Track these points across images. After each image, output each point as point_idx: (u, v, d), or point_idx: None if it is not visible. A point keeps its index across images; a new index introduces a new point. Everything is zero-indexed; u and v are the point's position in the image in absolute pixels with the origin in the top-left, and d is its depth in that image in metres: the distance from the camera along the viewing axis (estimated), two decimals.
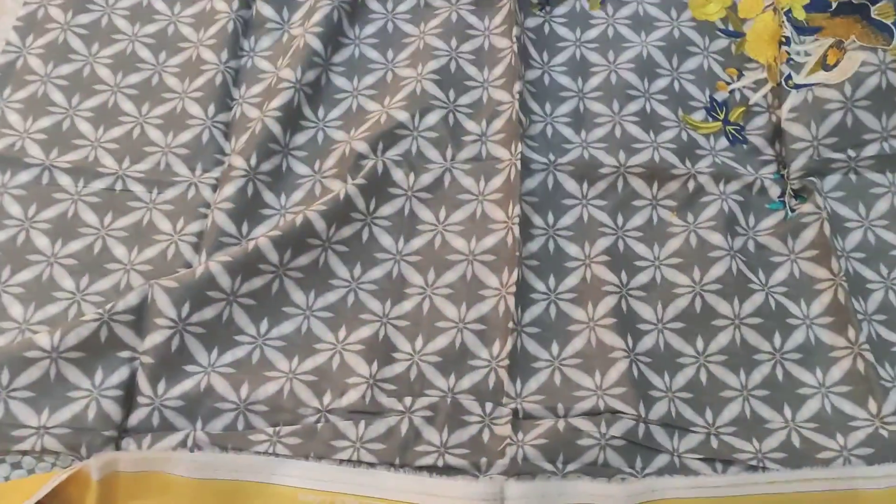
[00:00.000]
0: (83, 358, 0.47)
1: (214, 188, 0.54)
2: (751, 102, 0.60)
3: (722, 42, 0.63)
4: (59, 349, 0.46)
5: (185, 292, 0.48)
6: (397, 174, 0.55)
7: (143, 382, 0.47)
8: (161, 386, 0.47)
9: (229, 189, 0.53)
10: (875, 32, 0.57)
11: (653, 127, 0.58)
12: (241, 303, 0.50)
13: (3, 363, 0.46)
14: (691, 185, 0.56)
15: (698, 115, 0.60)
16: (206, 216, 0.53)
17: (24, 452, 0.46)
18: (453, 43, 0.60)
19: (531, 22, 0.62)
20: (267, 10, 0.62)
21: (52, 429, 0.45)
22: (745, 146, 0.59)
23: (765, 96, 0.60)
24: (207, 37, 0.60)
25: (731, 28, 0.63)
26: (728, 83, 0.61)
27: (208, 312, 0.49)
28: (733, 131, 0.59)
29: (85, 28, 0.61)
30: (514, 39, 0.59)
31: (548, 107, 0.59)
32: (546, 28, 0.62)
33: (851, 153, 0.56)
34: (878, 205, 0.56)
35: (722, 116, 0.60)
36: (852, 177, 0.56)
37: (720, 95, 0.61)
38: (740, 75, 0.61)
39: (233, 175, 0.54)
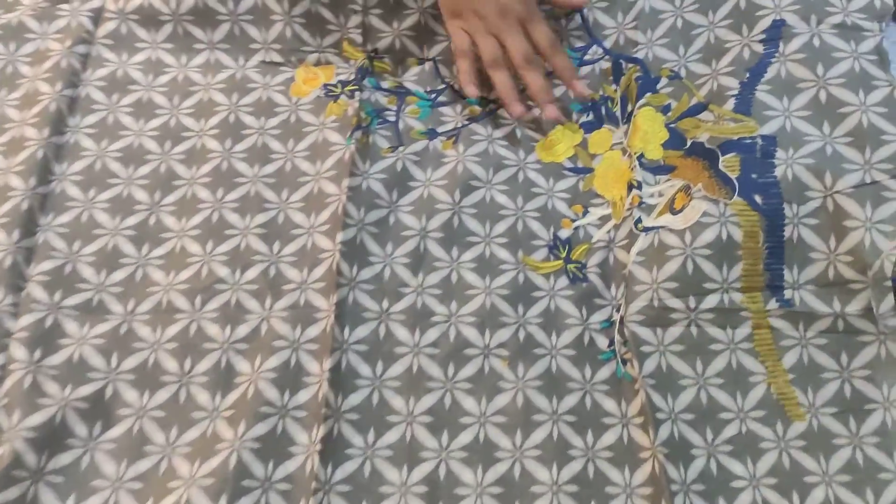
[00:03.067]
0: None
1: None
2: (594, 240, 0.61)
3: (569, 181, 0.63)
4: None
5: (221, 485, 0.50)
6: (212, 329, 0.55)
7: None
8: None
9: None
10: (719, 184, 0.56)
11: (490, 271, 0.59)
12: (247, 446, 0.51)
13: None
14: (521, 334, 0.56)
15: (540, 255, 0.60)
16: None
17: None
18: (284, 194, 0.61)
19: (382, 164, 0.63)
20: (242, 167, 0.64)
21: None
22: (584, 284, 0.59)
23: (608, 232, 0.61)
24: (201, 174, 0.62)
25: (579, 164, 0.64)
26: (573, 220, 0.62)
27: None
28: (574, 269, 0.60)
29: (80, 174, 0.61)
30: (345, 189, 0.59)
31: (389, 247, 0.59)
32: (399, 166, 0.63)
33: (692, 302, 0.55)
34: (715, 362, 0.54)
35: (564, 254, 0.60)
36: (693, 330, 0.55)
37: (564, 233, 0.61)
38: (585, 212, 0.62)
39: None
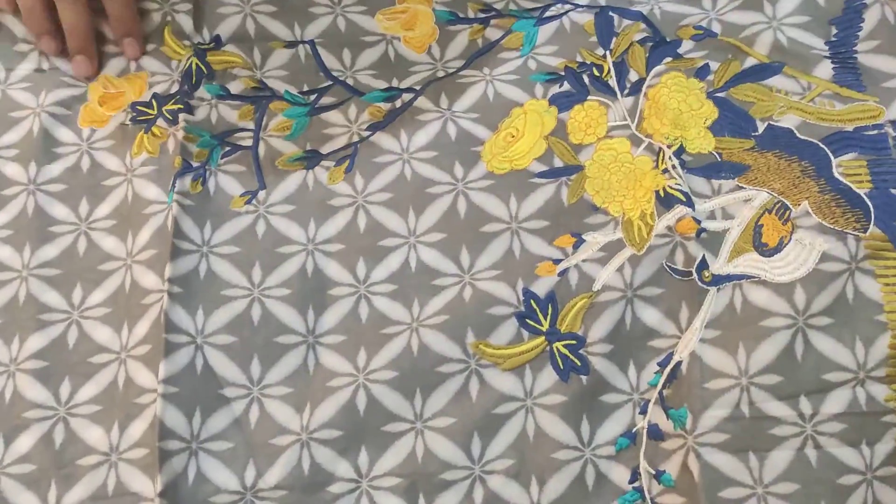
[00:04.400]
0: None
1: None
2: (597, 287, 0.36)
3: (543, 192, 0.38)
4: None
5: None
6: None
7: None
8: None
9: None
10: (841, 204, 0.34)
11: (420, 381, 0.35)
12: None
13: None
14: (479, 495, 0.33)
15: (504, 334, 0.36)
16: None
17: None
18: (75, 295, 0.39)
19: (233, 225, 0.39)
20: None
21: None
22: (584, 378, 0.35)
23: (620, 270, 0.36)
24: None
25: (559, 164, 0.39)
26: (557, 262, 0.37)
27: None
28: (565, 350, 0.35)
29: None
30: (169, 280, 0.37)
31: (254, 369, 0.36)
32: (261, 227, 0.39)
33: (806, 407, 0.32)
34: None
35: (546, 325, 0.36)
36: (810, 453, 0.32)
37: (543, 285, 0.37)
38: (579, 242, 0.37)
39: None
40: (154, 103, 0.41)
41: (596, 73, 0.40)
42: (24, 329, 0.37)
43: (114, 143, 0.41)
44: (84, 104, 0.42)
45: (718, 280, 0.34)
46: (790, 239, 0.34)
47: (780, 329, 0.33)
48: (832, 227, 0.34)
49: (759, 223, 0.35)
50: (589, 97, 0.39)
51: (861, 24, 0.38)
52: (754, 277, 0.34)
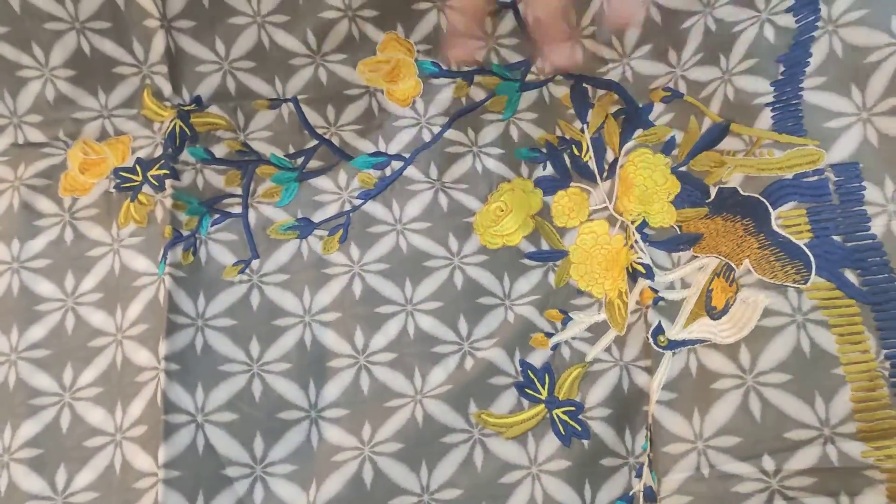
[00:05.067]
0: None
1: None
2: (589, 359, 0.38)
3: (533, 274, 0.40)
4: None
5: None
6: None
7: None
8: None
9: None
10: (780, 258, 0.35)
11: (426, 452, 0.36)
12: None
13: None
14: None
15: (505, 402, 0.37)
16: None
17: None
18: (66, 375, 0.38)
19: (226, 296, 0.38)
20: None
21: None
22: (586, 443, 0.36)
23: (608, 351, 0.38)
24: None
25: (545, 246, 0.40)
26: (549, 335, 0.38)
27: None
28: (565, 417, 0.37)
29: None
30: (165, 358, 0.36)
31: (257, 447, 0.36)
32: (255, 298, 0.39)
33: (769, 464, 0.33)
34: None
35: (545, 394, 0.37)
36: None
37: (538, 356, 0.38)
38: (567, 319, 0.39)
39: None
40: (138, 169, 0.40)
41: (576, 151, 0.41)
42: (15, 416, 0.36)
43: (98, 211, 0.40)
44: (64, 172, 0.41)
45: (674, 345, 0.36)
46: (735, 299, 0.35)
47: (728, 390, 0.34)
48: (772, 281, 0.35)
49: (710, 288, 0.37)
50: (571, 183, 0.41)
51: (808, 60, 0.37)
52: (705, 341, 0.35)
